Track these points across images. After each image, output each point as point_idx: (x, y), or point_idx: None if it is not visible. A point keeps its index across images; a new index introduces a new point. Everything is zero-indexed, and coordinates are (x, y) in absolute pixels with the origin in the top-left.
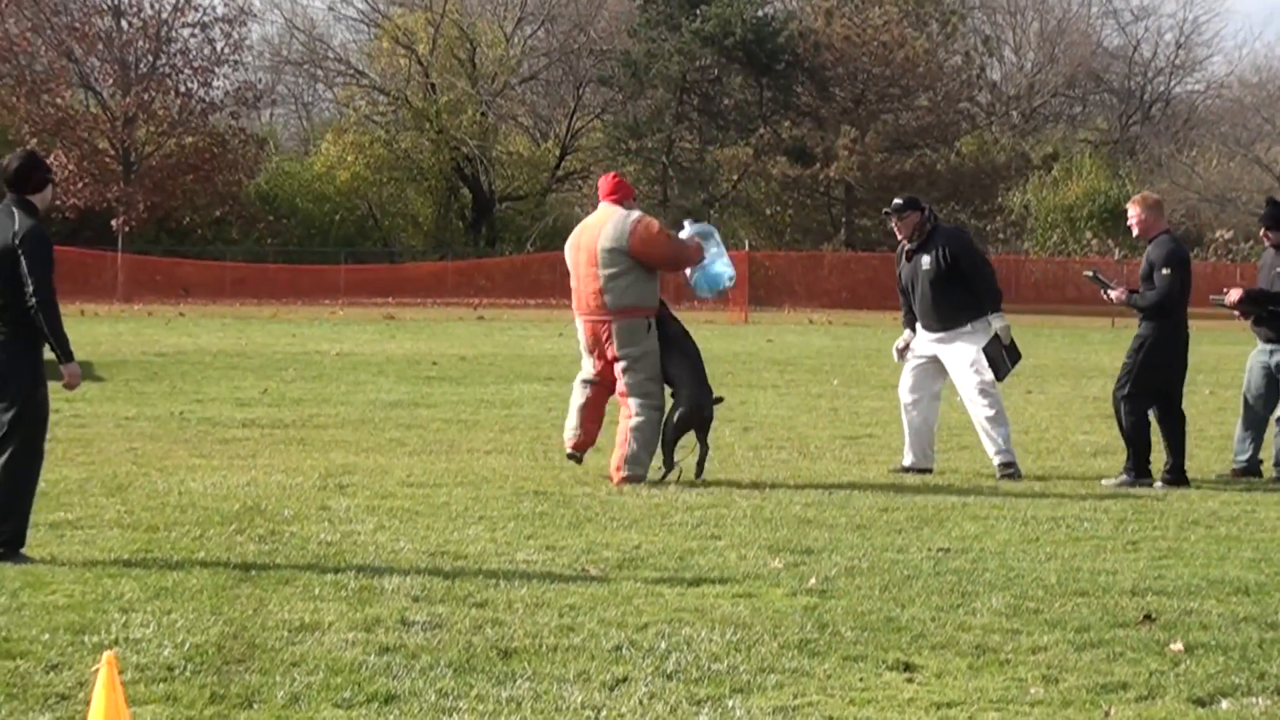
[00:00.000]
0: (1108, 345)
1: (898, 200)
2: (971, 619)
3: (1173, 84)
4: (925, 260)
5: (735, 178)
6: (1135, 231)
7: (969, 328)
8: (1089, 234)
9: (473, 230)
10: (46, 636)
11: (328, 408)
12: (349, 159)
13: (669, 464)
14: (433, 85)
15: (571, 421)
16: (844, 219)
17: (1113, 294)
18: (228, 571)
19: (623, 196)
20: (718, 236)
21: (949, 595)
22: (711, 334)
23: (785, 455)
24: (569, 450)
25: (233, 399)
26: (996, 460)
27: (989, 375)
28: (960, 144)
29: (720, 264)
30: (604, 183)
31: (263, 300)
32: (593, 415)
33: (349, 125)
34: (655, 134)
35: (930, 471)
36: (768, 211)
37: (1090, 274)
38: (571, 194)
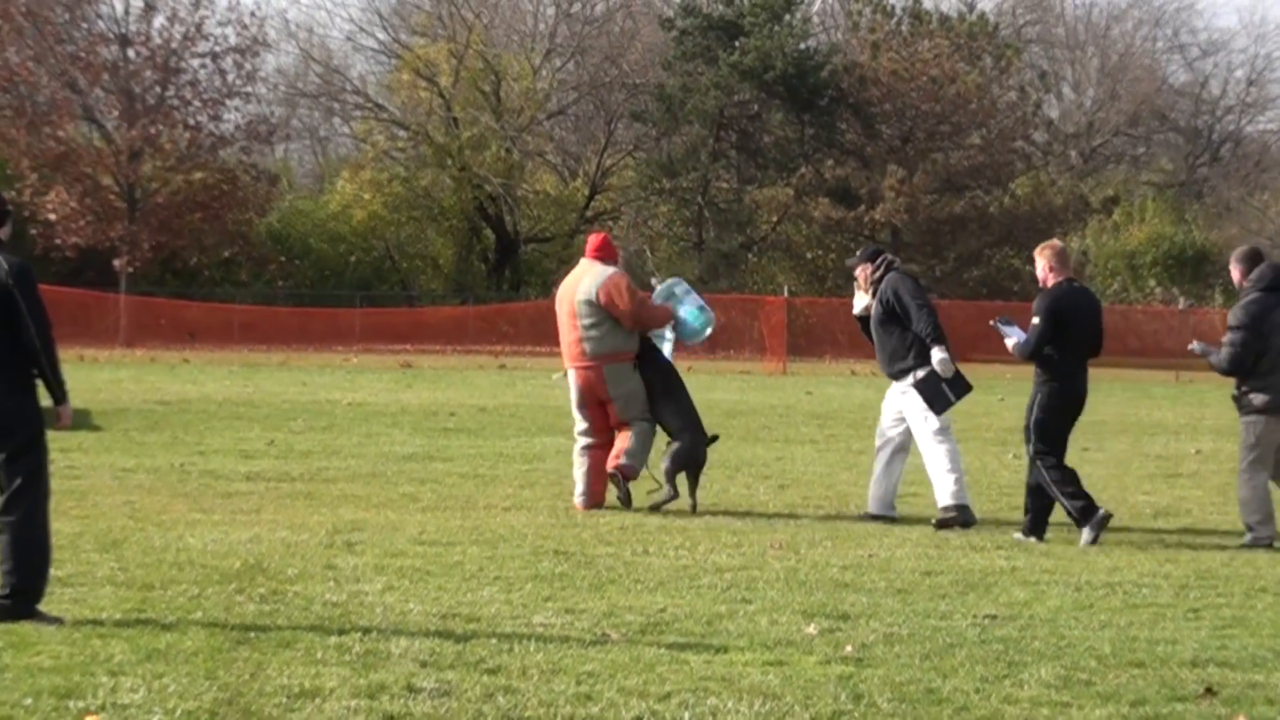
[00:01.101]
0: (1170, 400)
1: (860, 252)
2: (1019, 691)
3: (1243, 123)
4: (874, 306)
5: (775, 219)
6: (1040, 281)
7: (921, 374)
8: (1152, 281)
9: (496, 273)
10: (29, 701)
11: (337, 460)
12: (366, 197)
13: (672, 492)
14: (455, 120)
15: (579, 486)
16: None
17: (1008, 343)
18: (225, 633)
19: (605, 256)
20: (684, 286)
21: (995, 665)
22: (747, 385)
23: (822, 515)
24: (581, 509)
25: (237, 450)
26: (941, 504)
27: (939, 421)
28: (1015, 185)
29: (692, 315)
30: (592, 240)
31: (272, 346)
32: (598, 475)
33: (366, 161)
34: (690, 172)
35: (894, 520)
36: (809, 255)
37: (994, 322)
38: None
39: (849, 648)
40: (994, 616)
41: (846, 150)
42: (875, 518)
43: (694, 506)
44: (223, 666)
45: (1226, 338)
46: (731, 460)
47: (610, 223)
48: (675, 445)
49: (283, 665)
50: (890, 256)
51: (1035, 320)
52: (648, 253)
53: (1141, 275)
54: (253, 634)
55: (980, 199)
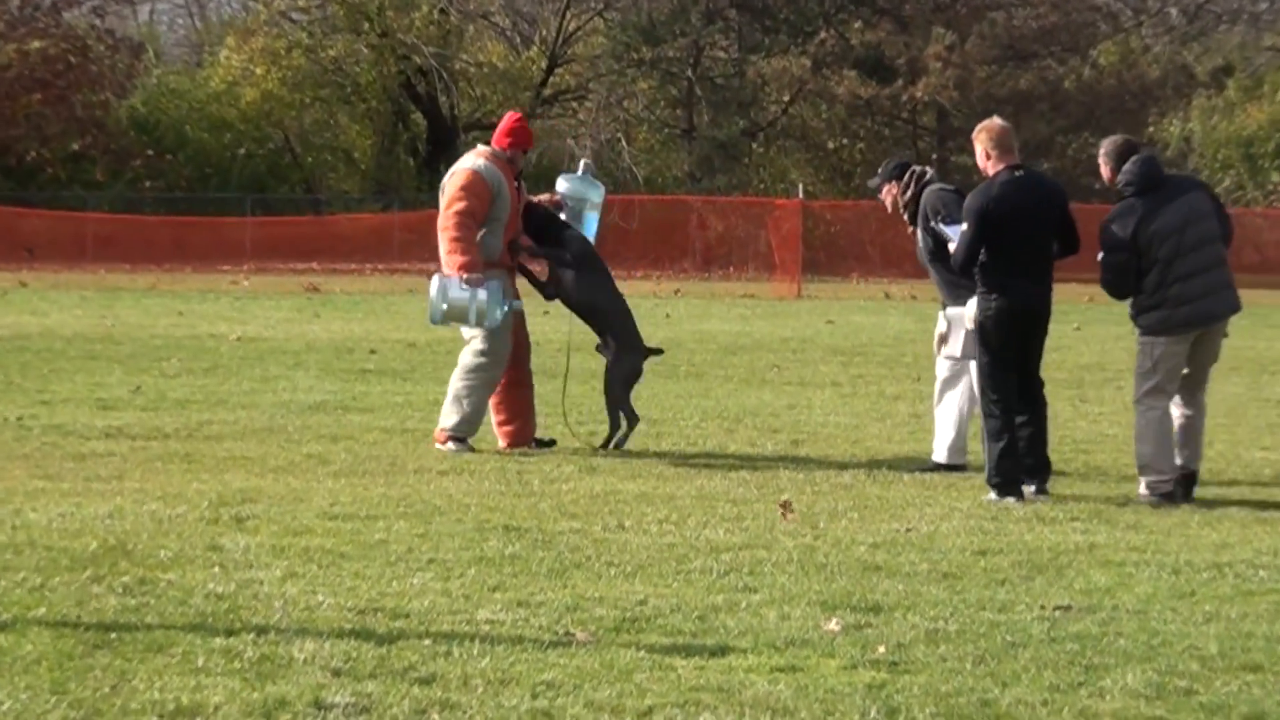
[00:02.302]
0: None
1: (881, 169)
2: (1099, 703)
3: None
4: (917, 236)
5: (786, 99)
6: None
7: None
8: (1276, 176)
9: (428, 170)
10: None
11: (223, 412)
12: (258, 72)
13: (625, 422)
14: None
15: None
16: (934, 155)
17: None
18: (78, 634)
19: (499, 142)
20: (598, 195)
21: (1068, 670)
22: (752, 312)
23: (848, 478)
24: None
25: (92, 400)
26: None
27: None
28: (1097, 53)
29: (455, 292)
30: (502, 123)
31: (137, 265)
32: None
33: (257, 25)
34: (677, 38)
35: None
36: (830, 145)
37: (936, 223)
38: (564, 120)
39: (880, 649)
40: (1067, 608)
41: (879, 8)
42: (945, 468)
43: (611, 440)
44: (74, 677)
45: (1100, 258)
46: (730, 409)
47: (574, 104)
48: (609, 360)
49: (153, 675)
50: (921, 169)
51: (963, 225)
52: (623, 143)
53: (1262, 168)
54: (114, 635)
55: (1052, 71)
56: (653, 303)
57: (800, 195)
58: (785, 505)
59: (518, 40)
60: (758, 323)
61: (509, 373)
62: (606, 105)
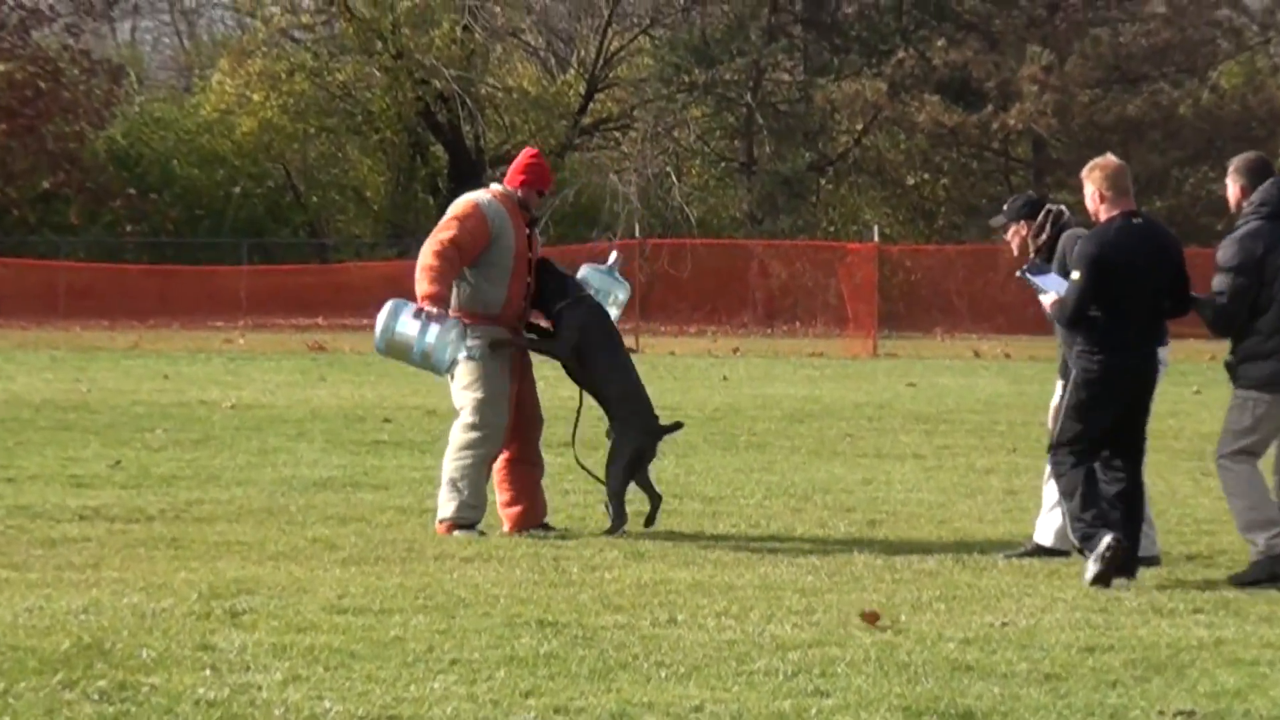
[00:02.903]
0: None
1: (1006, 206)
2: None
3: None
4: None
5: (859, 128)
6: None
7: None
8: None
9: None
10: None
11: (216, 490)
12: (255, 98)
13: (619, 518)
14: None
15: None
16: (1029, 193)
17: (1044, 302)
18: None
19: (510, 179)
20: (622, 292)
21: None
22: (821, 373)
23: (933, 564)
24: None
25: (65, 477)
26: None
27: None
28: (1217, 74)
29: (404, 320)
30: (516, 159)
31: (117, 321)
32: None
33: (254, 46)
34: (735, 59)
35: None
36: (910, 181)
37: (1023, 271)
38: (606, 153)
39: None
40: (1190, 714)
41: (965, 24)
42: (1047, 552)
43: (652, 515)
44: None
45: (1215, 281)
46: (798, 484)
47: (617, 134)
48: (615, 435)
49: None
50: (1057, 208)
51: (1074, 273)
52: (673, 179)
53: None
54: None
55: (1165, 95)
56: (707, 363)
57: (875, 238)
58: (870, 617)
59: (552, 61)
60: (828, 385)
61: (513, 447)
62: (654, 135)
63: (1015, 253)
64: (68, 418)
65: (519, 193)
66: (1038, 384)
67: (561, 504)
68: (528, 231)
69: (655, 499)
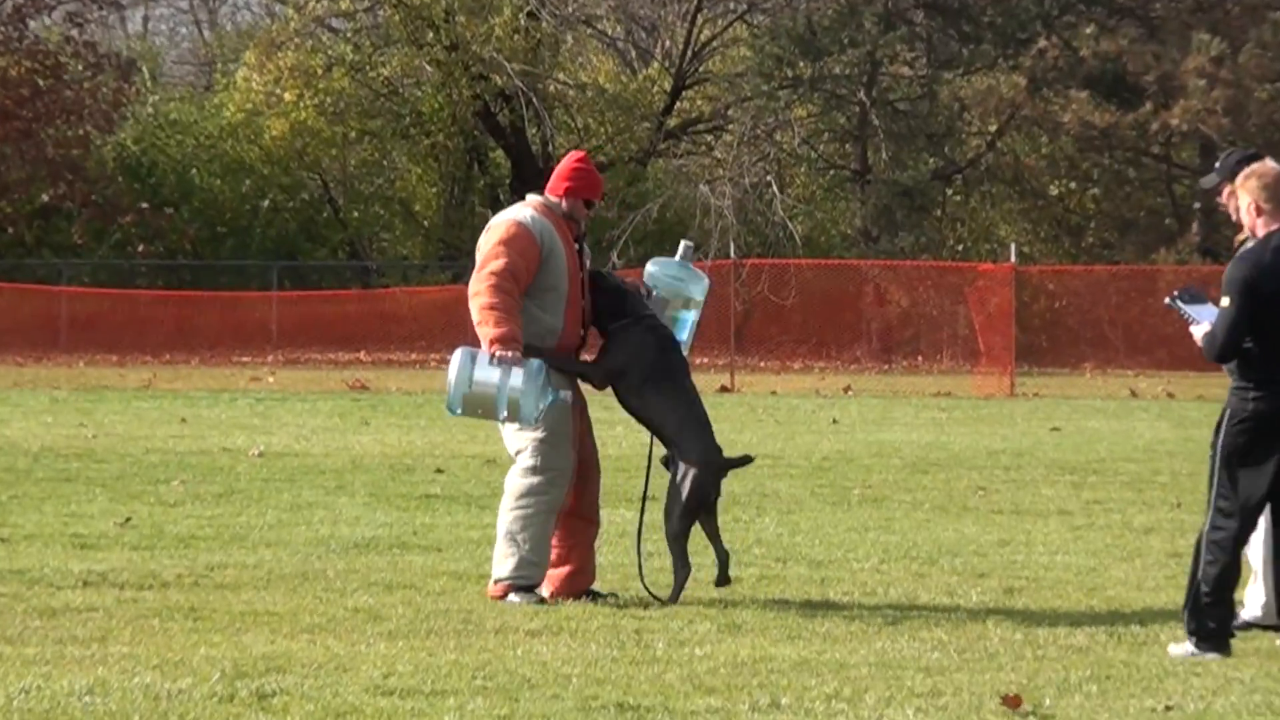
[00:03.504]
0: None
1: (1219, 163)
2: None
3: None
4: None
5: (993, 129)
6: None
7: None
8: None
9: None
10: None
11: (241, 553)
12: (286, 98)
13: (682, 567)
14: None
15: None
16: (1196, 205)
17: (1195, 333)
18: None
19: (551, 188)
20: (700, 287)
21: None
22: (949, 416)
23: (1082, 639)
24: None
25: (67, 536)
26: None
27: None
28: None
29: (482, 372)
30: (560, 165)
31: (127, 356)
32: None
33: (285, 37)
34: (846, 50)
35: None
36: (1053, 191)
37: (1171, 299)
38: (696, 159)
39: None
40: None
41: (1119, 9)
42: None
43: (723, 573)
44: None
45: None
46: (921, 546)
47: (709, 138)
48: (672, 470)
49: None
50: None
51: (1224, 300)
52: (774, 190)
53: None
54: None
55: None
56: (814, 404)
57: (1013, 258)
58: (1010, 701)
59: (632, 54)
60: (956, 430)
61: (570, 498)
62: (752, 139)
63: (1234, 217)
64: (70, 468)
65: (564, 204)
66: (1205, 428)
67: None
68: (577, 248)
69: (723, 555)
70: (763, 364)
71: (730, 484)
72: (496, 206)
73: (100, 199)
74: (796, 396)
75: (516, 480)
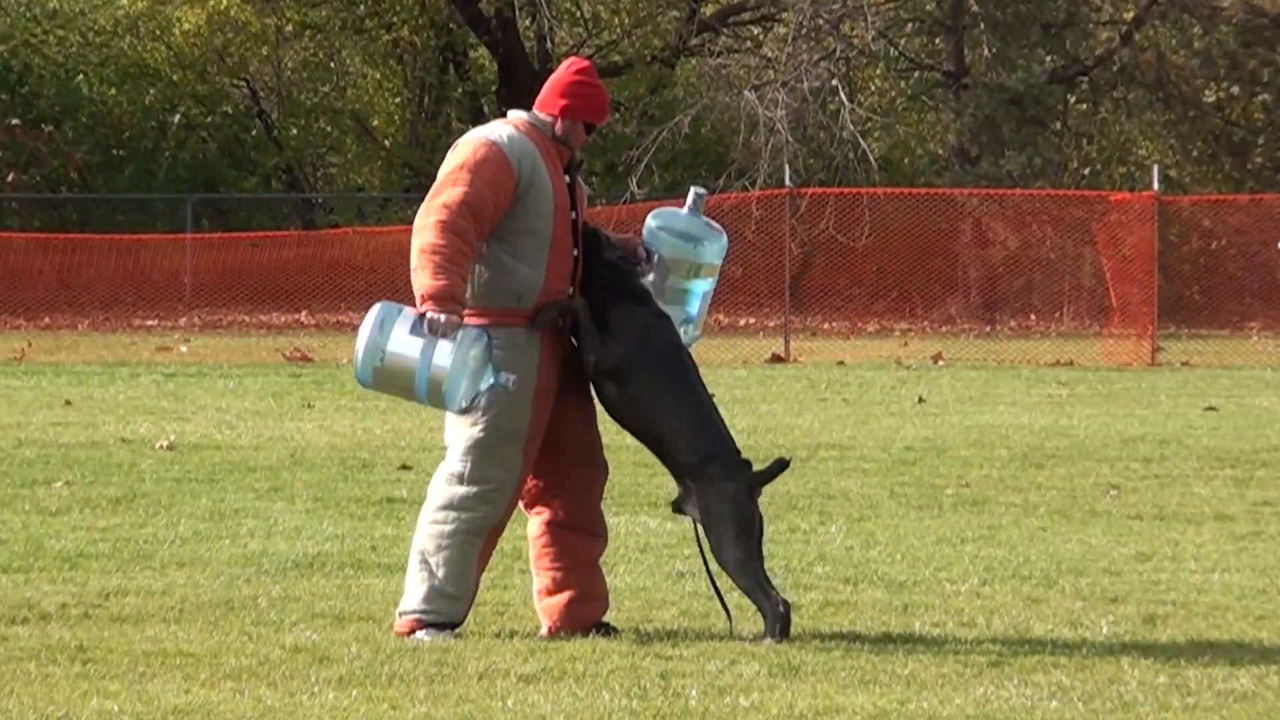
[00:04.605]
0: None
1: None
2: None
3: None
4: None
5: (1129, 17)
6: None
7: None
8: None
9: None
10: None
11: (146, 575)
12: None
13: (771, 607)
14: None
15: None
16: None
17: None
18: None
19: (538, 103)
20: (718, 246)
21: None
22: (1070, 391)
23: (1246, 682)
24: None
25: None
26: None
27: None
28: None
29: (400, 336)
30: (555, 74)
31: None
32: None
33: None
34: None
35: None
36: (1208, 97)
37: None
38: (738, 58)
39: None
40: None
41: None
42: None
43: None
44: None
45: None
46: (1035, 561)
47: (754, 31)
48: (700, 505)
49: None
50: None
51: None
52: (842, 99)
53: None
54: None
55: None
56: (893, 377)
57: (1155, 185)
58: None
59: None
60: (1081, 411)
61: (554, 505)
62: (812, 31)
63: None
64: None
65: (557, 124)
66: None
67: (673, 593)
68: (568, 180)
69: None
70: (826, 325)
71: (784, 484)
72: (479, 122)
73: None
74: (871, 368)
75: (439, 486)
